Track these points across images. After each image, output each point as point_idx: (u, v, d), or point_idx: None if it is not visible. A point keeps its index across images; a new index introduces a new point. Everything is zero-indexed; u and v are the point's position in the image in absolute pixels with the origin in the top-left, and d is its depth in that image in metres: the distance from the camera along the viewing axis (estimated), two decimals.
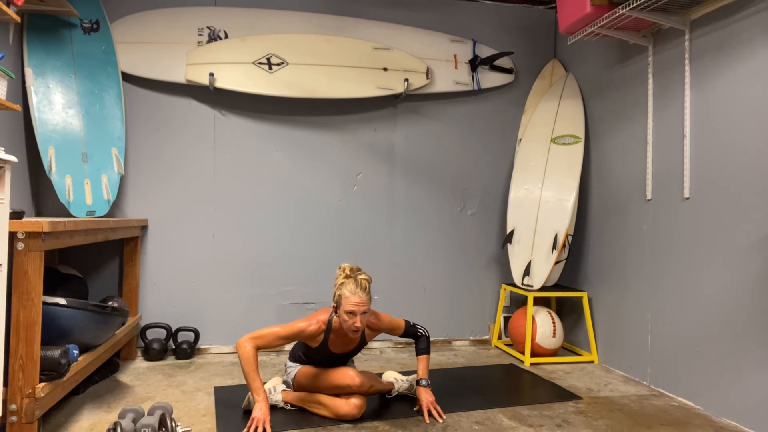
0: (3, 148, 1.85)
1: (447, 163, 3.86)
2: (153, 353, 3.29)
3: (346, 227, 3.71)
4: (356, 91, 3.53)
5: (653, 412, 2.56)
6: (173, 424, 2.09)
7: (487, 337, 3.93)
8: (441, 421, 2.39)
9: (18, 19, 2.37)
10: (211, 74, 3.33)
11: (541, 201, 3.52)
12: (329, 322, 2.40)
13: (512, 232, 3.60)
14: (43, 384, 2.00)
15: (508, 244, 3.62)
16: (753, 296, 2.36)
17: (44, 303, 2.17)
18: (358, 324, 2.28)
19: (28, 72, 3.00)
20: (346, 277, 2.32)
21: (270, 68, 3.42)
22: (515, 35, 3.98)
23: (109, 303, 2.92)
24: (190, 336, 3.49)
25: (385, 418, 2.41)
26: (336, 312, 2.35)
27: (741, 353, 2.41)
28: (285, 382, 2.63)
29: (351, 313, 2.27)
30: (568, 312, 3.78)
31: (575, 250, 3.69)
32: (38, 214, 3.24)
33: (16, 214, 1.98)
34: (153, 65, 3.35)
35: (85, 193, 3.07)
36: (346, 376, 2.40)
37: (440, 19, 3.85)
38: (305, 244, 3.65)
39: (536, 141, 3.67)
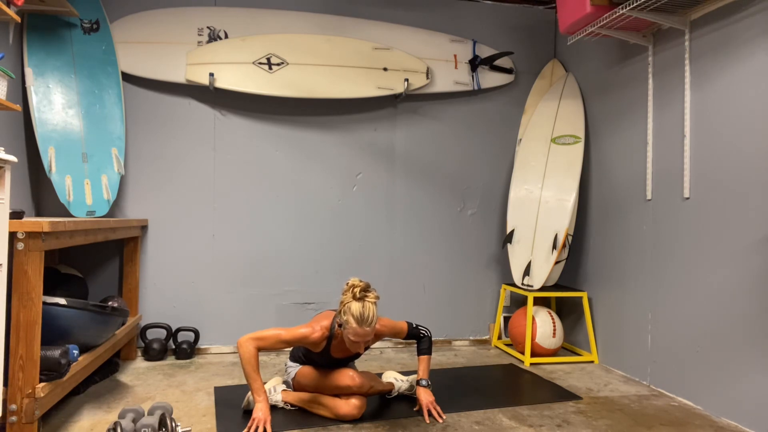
0: (3, 148, 1.85)
1: (447, 163, 3.86)
2: (153, 353, 3.29)
3: (346, 227, 3.71)
4: (356, 91, 3.53)
5: (653, 412, 2.56)
6: (173, 424, 2.09)
7: (487, 337, 3.93)
8: (441, 421, 2.39)
9: (18, 19, 2.37)
10: (211, 74, 3.33)
11: (541, 201, 3.52)
12: (331, 329, 2.39)
13: (512, 232, 3.60)
14: (43, 384, 2.00)
15: (508, 244, 3.62)
16: (753, 296, 2.36)
17: (44, 303, 2.17)
18: (361, 350, 2.29)
19: (28, 72, 3.00)
20: (354, 297, 2.24)
21: (270, 68, 3.42)
22: (515, 35, 3.97)
23: (109, 303, 2.92)
24: (190, 336, 3.48)
25: (385, 419, 2.40)
26: (340, 325, 2.31)
27: (741, 353, 2.41)
28: (285, 382, 2.63)
29: (355, 342, 2.26)
30: (568, 312, 3.78)
31: (575, 250, 3.69)
32: (38, 214, 3.24)
33: (16, 214, 1.98)
34: (153, 65, 3.35)
35: (85, 193, 3.07)
36: (346, 376, 2.39)
37: (440, 19, 3.85)
38: (305, 244, 3.65)
39: (536, 141, 3.66)
